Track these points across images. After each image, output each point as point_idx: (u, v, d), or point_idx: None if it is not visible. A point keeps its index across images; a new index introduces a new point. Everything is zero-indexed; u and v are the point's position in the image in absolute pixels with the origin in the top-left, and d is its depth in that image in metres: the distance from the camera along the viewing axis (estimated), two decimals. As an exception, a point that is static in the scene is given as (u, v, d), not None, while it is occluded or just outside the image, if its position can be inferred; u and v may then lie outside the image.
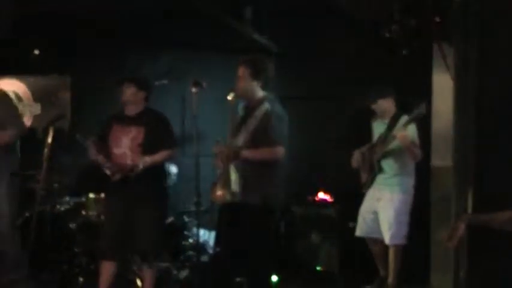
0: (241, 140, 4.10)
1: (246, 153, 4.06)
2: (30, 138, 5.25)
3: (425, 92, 5.29)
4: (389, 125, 5.14)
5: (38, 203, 4.80)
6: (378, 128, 5.29)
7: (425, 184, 5.31)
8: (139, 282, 4.90)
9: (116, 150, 4.49)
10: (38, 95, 6.34)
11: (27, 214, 5.33)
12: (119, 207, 4.47)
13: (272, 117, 4.08)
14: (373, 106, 5.26)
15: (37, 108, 6.52)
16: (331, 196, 5.90)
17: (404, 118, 5.01)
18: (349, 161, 5.33)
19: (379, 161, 5.15)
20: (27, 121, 6.27)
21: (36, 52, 6.52)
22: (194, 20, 6.13)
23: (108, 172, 4.43)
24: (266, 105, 4.12)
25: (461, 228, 2.83)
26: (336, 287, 5.50)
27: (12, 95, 5.41)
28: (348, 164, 5.33)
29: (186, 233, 5.92)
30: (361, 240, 5.26)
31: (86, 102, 6.50)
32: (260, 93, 4.21)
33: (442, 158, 5.12)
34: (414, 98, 5.02)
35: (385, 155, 5.12)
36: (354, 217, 5.30)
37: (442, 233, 4.72)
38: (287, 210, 5.79)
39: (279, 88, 4.83)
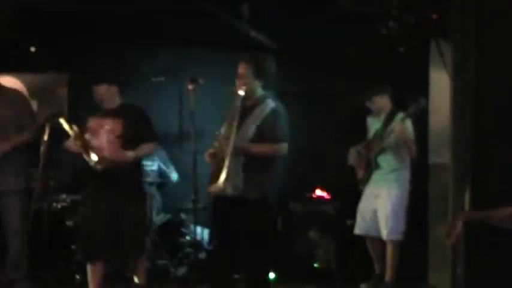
0: (250, 133, 4.09)
1: (255, 148, 4.06)
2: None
3: (422, 89, 5.30)
4: (385, 121, 5.14)
5: (35, 201, 4.78)
6: (374, 125, 5.29)
7: (422, 181, 5.31)
8: (136, 280, 4.89)
9: (94, 142, 4.48)
10: (34, 92, 6.30)
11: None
12: (102, 207, 4.46)
13: (278, 115, 4.13)
14: (368, 103, 5.27)
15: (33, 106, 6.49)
16: (328, 193, 5.89)
17: (400, 115, 5.02)
18: (347, 158, 5.33)
19: (376, 157, 5.15)
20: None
21: (33, 49, 6.49)
22: (191, 17, 6.11)
23: (92, 160, 4.36)
24: (271, 104, 4.15)
25: (459, 225, 2.82)
26: (333, 284, 5.49)
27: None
28: (346, 161, 5.34)
29: (183, 230, 5.93)
30: (359, 237, 5.26)
31: (83, 99, 6.47)
32: (260, 91, 4.22)
33: (439, 155, 5.13)
34: (411, 95, 5.02)
35: (382, 151, 5.12)
36: (351, 214, 5.31)
37: (439, 231, 4.74)
38: (285, 207, 5.78)
39: (277, 84, 4.81)
